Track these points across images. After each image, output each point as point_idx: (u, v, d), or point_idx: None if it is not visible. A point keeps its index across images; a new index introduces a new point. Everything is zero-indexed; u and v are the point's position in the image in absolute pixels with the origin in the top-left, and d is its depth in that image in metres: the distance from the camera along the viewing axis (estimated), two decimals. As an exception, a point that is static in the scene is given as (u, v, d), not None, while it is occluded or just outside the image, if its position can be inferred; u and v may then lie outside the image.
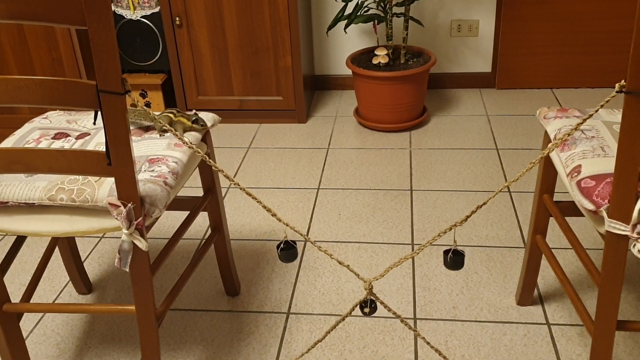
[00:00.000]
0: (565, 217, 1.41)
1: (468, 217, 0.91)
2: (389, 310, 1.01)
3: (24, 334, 1.68)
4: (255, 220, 2.14)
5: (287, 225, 0.86)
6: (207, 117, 1.48)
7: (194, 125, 1.41)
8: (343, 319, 1.03)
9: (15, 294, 1.84)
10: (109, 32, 0.97)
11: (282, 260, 0.96)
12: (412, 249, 1.94)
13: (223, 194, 2.32)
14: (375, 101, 2.67)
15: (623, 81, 0.95)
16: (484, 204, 0.91)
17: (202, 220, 2.15)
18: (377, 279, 1.02)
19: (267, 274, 1.86)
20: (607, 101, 0.95)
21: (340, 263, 0.89)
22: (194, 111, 1.44)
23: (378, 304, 1.62)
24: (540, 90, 3.08)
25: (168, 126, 1.06)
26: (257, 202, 0.85)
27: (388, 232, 2.03)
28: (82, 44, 2.59)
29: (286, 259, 0.96)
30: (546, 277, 1.78)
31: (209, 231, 2.04)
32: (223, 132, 2.84)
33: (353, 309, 1.03)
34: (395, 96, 2.64)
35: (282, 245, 0.96)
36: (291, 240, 0.96)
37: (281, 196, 2.28)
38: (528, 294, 1.66)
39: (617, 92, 0.96)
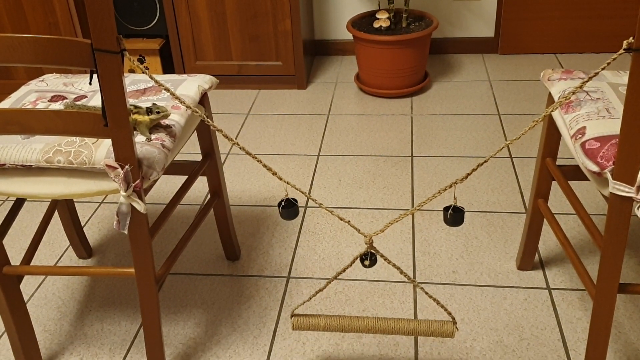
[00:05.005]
0: (568, 182, 1.40)
1: (468, 174, 0.90)
2: (389, 262, 1.01)
3: (25, 298, 1.68)
4: (255, 186, 2.13)
5: (287, 183, 0.84)
6: (205, 79, 1.46)
7: (151, 116, 1.20)
8: (344, 270, 1.03)
9: (16, 258, 1.84)
10: (103, -13, 0.94)
11: (284, 217, 0.95)
12: (413, 215, 1.93)
13: (222, 160, 2.31)
14: (376, 66, 2.64)
15: (631, 38, 0.92)
16: (485, 161, 0.90)
17: (202, 187, 2.14)
18: (377, 234, 1.02)
19: (267, 239, 1.86)
20: (613, 59, 0.92)
21: (341, 219, 0.89)
22: (152, 102, 1.27)
23: (378, 257, 1.62)
24: (544, 55, 3.04)
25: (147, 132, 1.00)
26: (257, 161, 0.83)
27: (388, 198, 2.02)
28: (79, 8, 2.54)
29: (288, 216, 0.95)
30: (547, 242, 1.78)
31: (209, 197, 2.03)
32: (222, 97, 2.81)
33: (354, 261, 1.04)
34: (397, 61, 2.60)
35: (283, 202, 0.95)
36: (292, 198, 0.95)
37: (281, 162, 2.27)
38: (529, 259, 1.66)
39: (624, 50, 0.93)
